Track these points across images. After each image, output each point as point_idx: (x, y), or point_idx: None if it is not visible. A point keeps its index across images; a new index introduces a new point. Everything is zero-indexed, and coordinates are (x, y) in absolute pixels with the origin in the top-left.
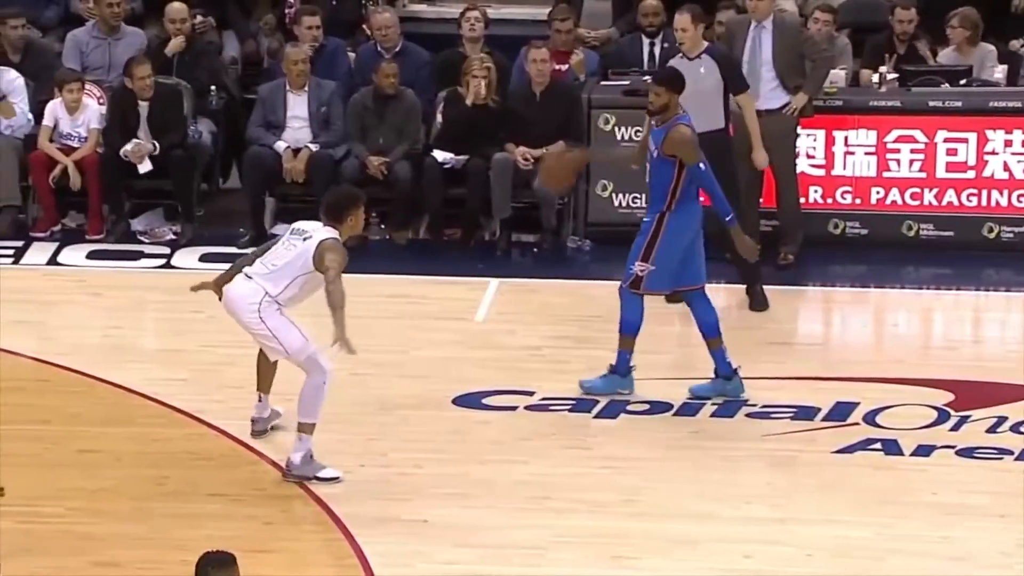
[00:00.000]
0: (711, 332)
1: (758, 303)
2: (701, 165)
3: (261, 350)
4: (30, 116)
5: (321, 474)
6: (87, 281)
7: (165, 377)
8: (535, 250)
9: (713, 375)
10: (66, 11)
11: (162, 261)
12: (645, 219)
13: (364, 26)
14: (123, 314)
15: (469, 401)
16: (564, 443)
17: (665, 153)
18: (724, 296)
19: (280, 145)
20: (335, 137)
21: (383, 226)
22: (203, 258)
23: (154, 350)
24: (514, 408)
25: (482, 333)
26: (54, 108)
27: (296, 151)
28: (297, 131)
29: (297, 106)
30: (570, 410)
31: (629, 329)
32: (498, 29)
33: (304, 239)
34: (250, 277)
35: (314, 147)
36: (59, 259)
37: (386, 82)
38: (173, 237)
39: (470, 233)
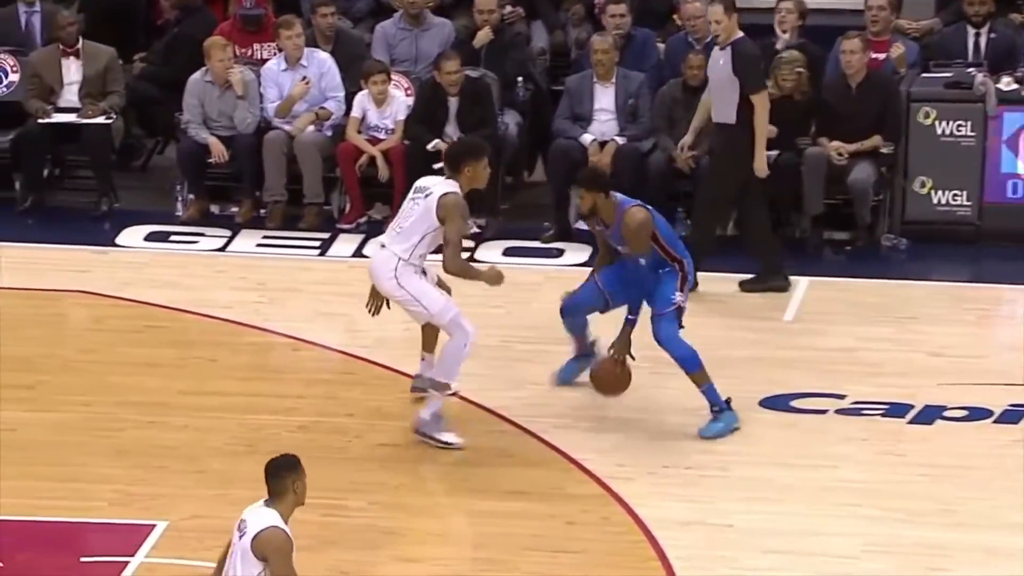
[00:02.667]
0: (693, 366)
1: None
2: (650, 253)
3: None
4: (342, 98)
5: (442, 436)
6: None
7: (467, 372)
8: (848, 248)
9: (713, 411)
10: (376, 2)
11: (466, 255)
12: (663, 270)
13: (675, 16)
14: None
15: (777, 403)
16: (877, 449)
17: (634, 252)
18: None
19: (586, 138)
20: (642, 130)
21: (690, 221)
22: (507, 252)
23: None
24: (824, 411)
25: (791, 333)
26: (362, 100)
27: (602, 144)
28: (604, 124)
29: (604, 98)
30: (883, 415)
31: (693, 365)
32: (815, 19)
33: (426, 195)
34: (384, 245)
35: (621, 140)
36: (364, 251)
37: (693, 74)
38: (477, 231)
39: (780, 229)
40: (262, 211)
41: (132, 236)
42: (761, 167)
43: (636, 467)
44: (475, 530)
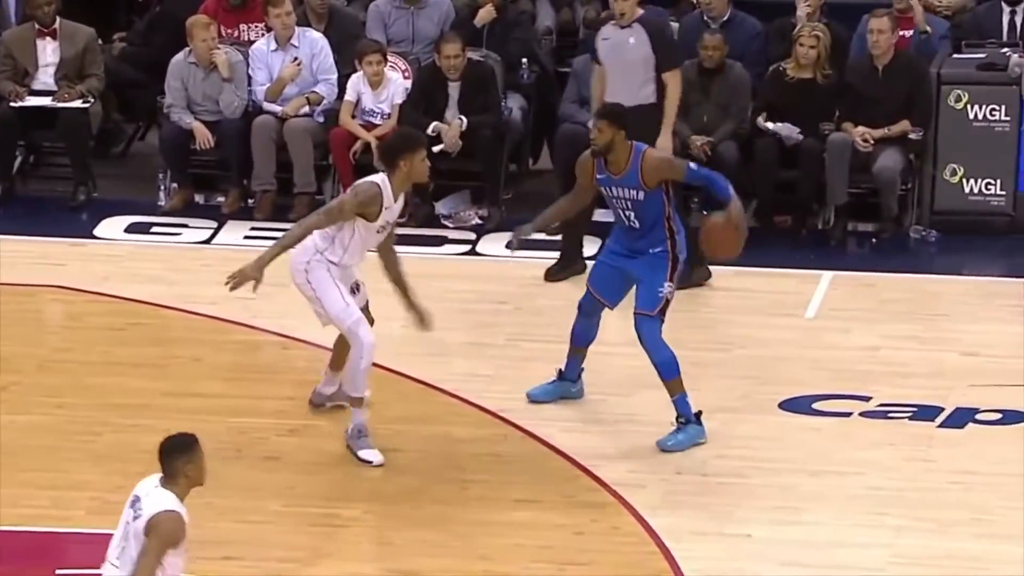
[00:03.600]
0: (670, 372)
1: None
2: (692, 165)
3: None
4: (334, 81)
5: (361, 453)
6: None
7: (470, 373)
8: (874, 240)
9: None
10: None
11: (467, 248)
12: (655, 250)
13: None
14: (426, 303)
15: (798, 405)
16: (904, 454)
17: (650, 187)
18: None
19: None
20: None
21: (705, 212)
22: (511, 244)
23: (458, 343)
24: (848, 414)
25: (813, 331)
26: (356, 82)
27: None
28: None
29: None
30: (911, 418)
31: (670, 372)
32: None
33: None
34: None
35: None
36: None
37: (708, 55)
38: (479, 222)
39: (802, 221)
40: (250, 201)
41: (111, 227)
42: (665, 146)
43: (649, 474)
44: (478, 541)
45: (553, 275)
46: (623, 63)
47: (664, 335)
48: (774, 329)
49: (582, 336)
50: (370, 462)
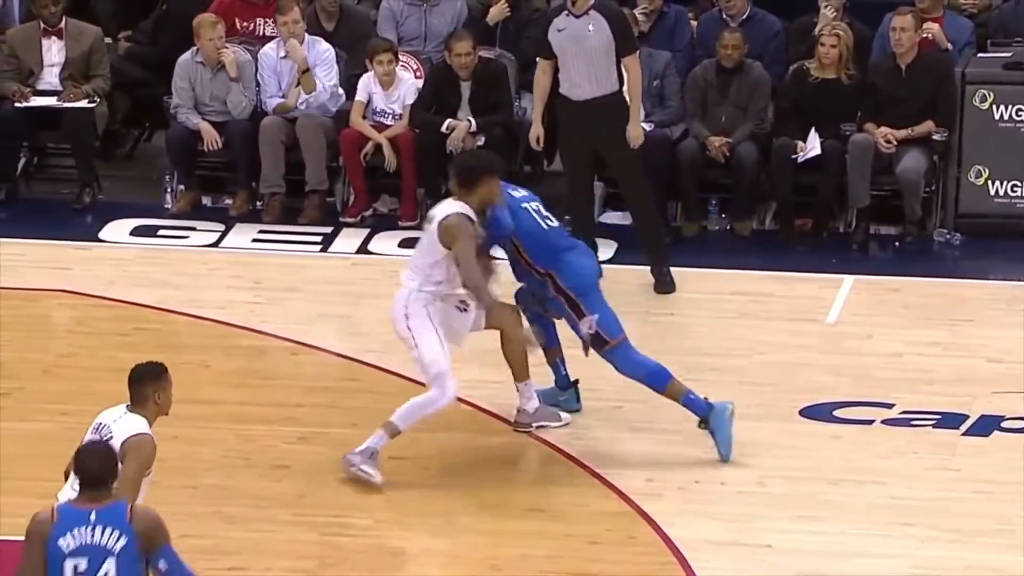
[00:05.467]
0: (661, 380)
1: (663, 284)
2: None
3: (503, 338)
4: (341, 91)
5: (365, 467)
6: (399, 273)
7: (482, 379)
8: (897, 244)
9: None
10: None
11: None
12: (549, 297)
13: None
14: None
15: (818, 412)
16: (928, 463)
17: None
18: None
19: None
20: (671, 115)
21: (724, 215)
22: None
23: (471, 350)
24: (870, 422)
25: (834, 336)
26: (367, 82)
27: None
28: None
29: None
30: (935, 425)
31: (658, 380)
32: None
33: (432, 223)
34: (401, 284)
35: (648, 126)
36: (370, 247)
37: (725, 53)
38: None
39: (823, 224)
40: (258, 203)
41: (117, 230)
42: (637, 135)
43: (665, 482)
44: (489, 551)
45: None
46: (584, 51)
47: (683, 340)
48: (795, 335)
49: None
50: (371, 476)
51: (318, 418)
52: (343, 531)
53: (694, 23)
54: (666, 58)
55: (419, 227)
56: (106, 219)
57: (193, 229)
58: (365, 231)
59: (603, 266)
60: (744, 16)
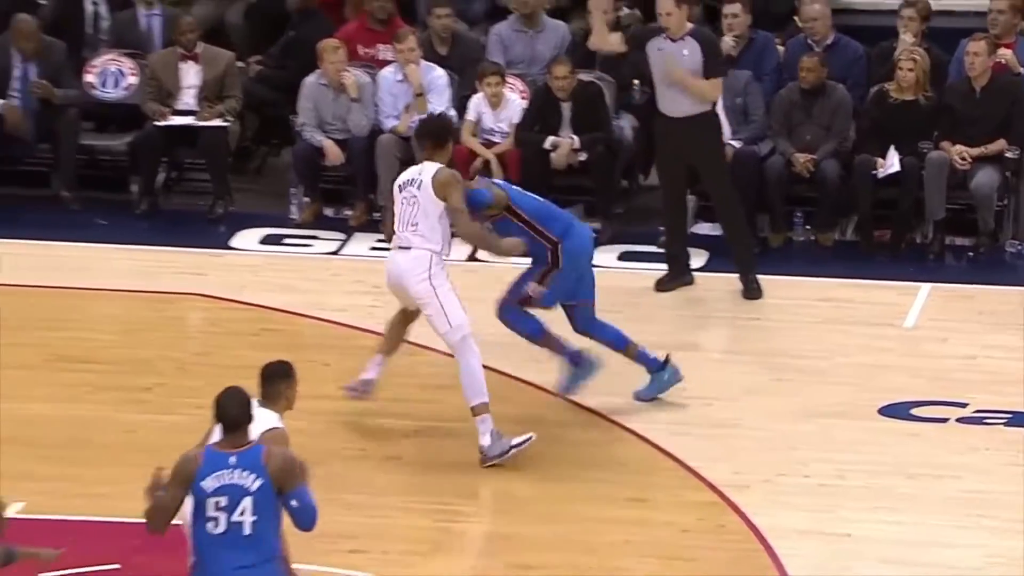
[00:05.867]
0: (621, 343)
1: (751, 291)
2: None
3: (401, 311)
4: (452, 112)
5: (515, 442)
6: (506, 279)
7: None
8: (970, 254)
9: (649, 375)
10: (492, 5)
11: None
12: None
13: (795, 18)
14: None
15: (897, 411)
16: (1000, 459)
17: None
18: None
19: None
20: (754, 131)
21: (808, 227)
22: (622, 256)
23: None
24: (945, 420)
25: (912, 340)
26: (477, 102)
27: None
28: None
29: None
30: (1006, 424)
31: (622, 340)
32: (939, 22)
33: (419, 186)
34: (406, 248)
35: (736, 143)
36: (477, 255)
37: (803, 76)
38: (593, 235)
39: (901, 235)
40: (376, 214)
41: (247, 239)
42: (711, 95)
43: (752, 475)
44: (591, 537)
45: (664, 285)
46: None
47: (770, 343)
48: (875, 339)
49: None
50: (524, 442)
51: (432, 413)
52: (454, 518)
53: (781, 48)
54: (747, 77)
55: None
56: (237, 228)
57: (316, 238)
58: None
59: (695, 274)
60: (828, 42)
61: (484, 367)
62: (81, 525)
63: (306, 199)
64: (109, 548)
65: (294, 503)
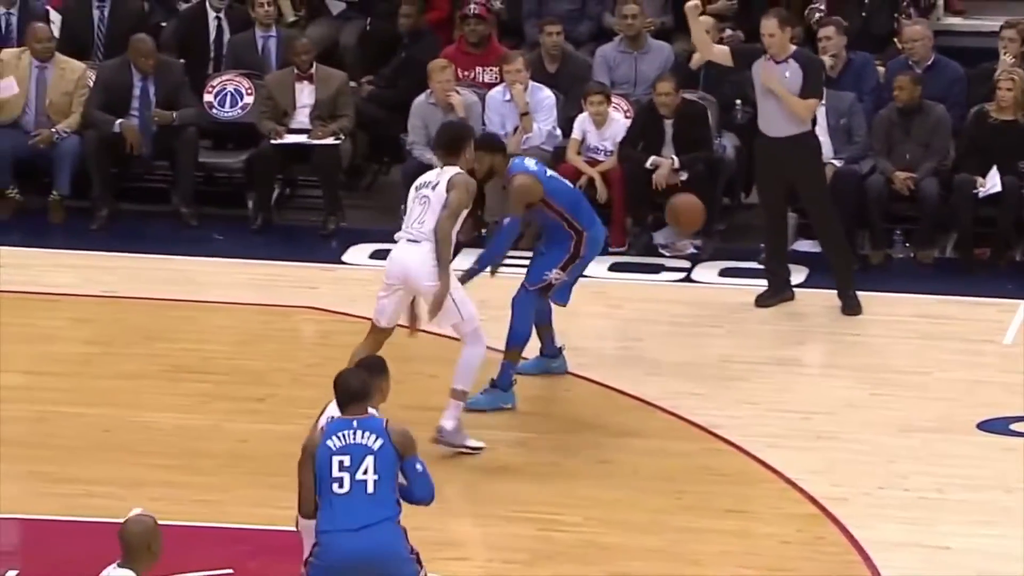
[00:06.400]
0: (514, 341)
1: (850, 307)
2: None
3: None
4: (558, 132)
5: (469, 443)
6: (608, 293)
7: (684, 390)
8: None
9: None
10: (598, 26)
11: (682, 275)
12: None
13: (895, 39)
14: (643, 326)
15: (996, 426)
16: None
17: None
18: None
19: None
20: (858, 151)
21: (908, 244)
22: (723, 273)
23: (673, 363)
24: None
25: (1011, 356)
26: (583, 121)
27: None
28: None
29: (817, 118)
30: None
31: (518, 341)
32: None
33: (434, 187)
34: (415, 241)
35: (838, 163)
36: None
37: (896, 94)
38: (694, 251)
39: (1000, 253)
40: (483, 231)
41: (358, 254)
42: (808, 108)
43: (851, 488)
44: (691, 547)
45: (764, 301)
46: (781, 94)
47: (870, 358)
48: (974, 354)
49: (540, 317)
50: (475, 448)
51: (535, 425)
52: (556, 527)
53: (882, 69)
54: (851, 98)
55: (627, 251)
56: (349, 244)
57: None
58: None
59: (796, 290)
60: (928, 63)
61: (582, 377)
62: (194, 531)
63: None
64: (222, 553)
65: (418, 467)
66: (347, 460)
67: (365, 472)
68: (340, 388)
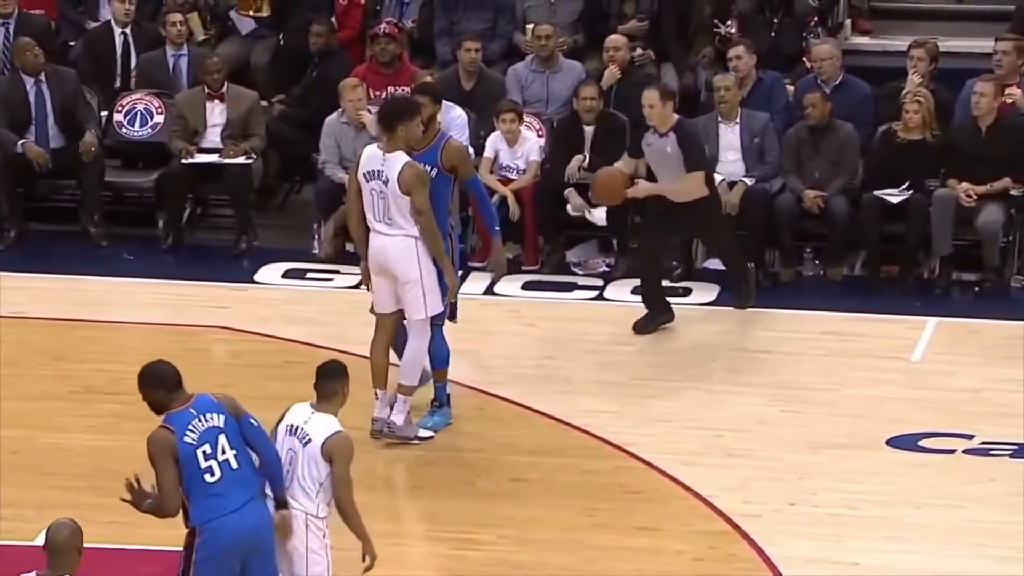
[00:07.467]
0: (442, 364)
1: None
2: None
3: (375, 342)
4: (471, 150)
5: (421, 434)
6: (521, 311)
7: (597, 408)
8: (976, 289)
9: (434, 405)
10: (509, 44)
11: (595, 293)
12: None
13: (804, 59)
14: (556, 345)
15: (904, 442)
16: (1006, 490)
17: (445, 168)
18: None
19: (715, 178)
20: (769, 170)
21: (817, 261)
22: (635, 291)
23: (587, 381)
24: (952, 451)
25: (919, 373)
26: (495, 140)
27: (731, 184)
28: (731, 164)
29: (729, 138)
30: (1012, 455)
31: (441, 361)
32: (946, 63)
33: (386, 181)
34: (390, 234)
35: (749, 181)
36: (495, 289)
37: (808, 112)
38: (606, 269)
39: (908, 270)
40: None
41: (270, 273)
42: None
43: (762, 504)
44: (604, 565)
45: (641, 328)
46: (666, 164)
47: (779, 375)
48: (882, 371)
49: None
50: (427, 438)
51: (447, 442)
52: (470, 546)
53: (791, 88)
54: (764, 117)
55: (540, 270)
56: (260, 263)
57: (338, 272)
58: (489, 275)
59: (706, 308)
60: (836, 82)
61: (495, 396)
62: (103, 553)
63: (328, 234)
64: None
65: (252, 422)
66: (208, 448)
67: (224, 452)
68: (157, 377)
